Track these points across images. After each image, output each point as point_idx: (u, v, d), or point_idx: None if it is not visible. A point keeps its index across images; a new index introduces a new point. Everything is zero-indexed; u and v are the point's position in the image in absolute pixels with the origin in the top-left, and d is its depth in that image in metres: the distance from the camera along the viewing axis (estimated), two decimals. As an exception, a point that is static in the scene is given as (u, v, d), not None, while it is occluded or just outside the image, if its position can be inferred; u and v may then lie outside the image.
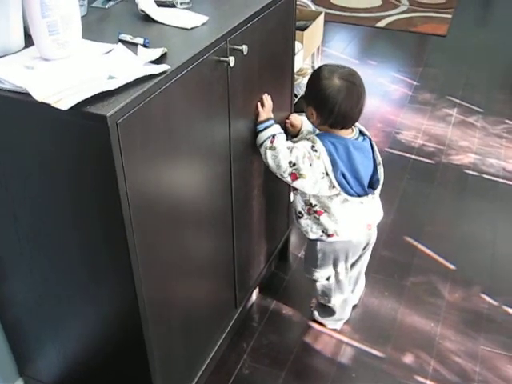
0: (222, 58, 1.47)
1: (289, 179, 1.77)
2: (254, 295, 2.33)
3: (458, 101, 3.84)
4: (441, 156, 3.27)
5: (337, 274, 2.06)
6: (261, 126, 1.80)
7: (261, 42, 1.69)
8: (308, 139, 1.79)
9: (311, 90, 1.80)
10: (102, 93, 1.17)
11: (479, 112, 3.71)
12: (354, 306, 2.30)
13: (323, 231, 1.92)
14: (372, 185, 1.88)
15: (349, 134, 1.83)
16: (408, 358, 2.12)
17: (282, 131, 1.83)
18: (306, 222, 1.93)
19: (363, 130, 1.89)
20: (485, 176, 3.10)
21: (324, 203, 1.85)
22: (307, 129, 2.00)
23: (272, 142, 1.76)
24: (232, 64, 1.49)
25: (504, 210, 2.88)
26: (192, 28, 1.49)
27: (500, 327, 2.25)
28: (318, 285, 2.10)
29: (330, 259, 2.01)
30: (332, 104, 1.73)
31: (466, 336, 2.21)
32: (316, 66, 3.17)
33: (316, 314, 2.23)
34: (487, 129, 3.52)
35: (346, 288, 2.13)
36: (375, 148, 1.89)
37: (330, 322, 2.22)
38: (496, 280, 2.46)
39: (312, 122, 1.86)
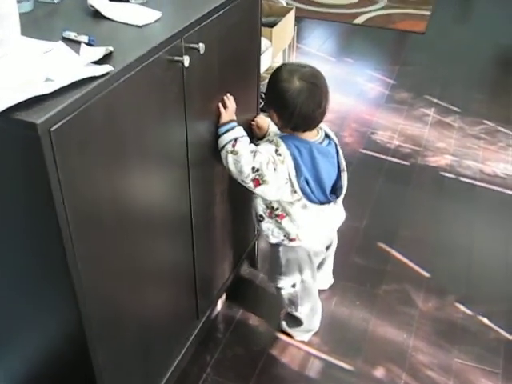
0: (176, 58, 1.36)
1: (251, 185, 1.67)
2: (220, 304, 2.22)
3: (435, 100, 3.75)
4: (417, 157, 3.19)
5: (303, 281, 1.96)
6: (222, 129, 1.69)
7: (220, 40, 1.57)
8: (271, 142, 1.69)
9: (271, 92, 1.70)
10: (37, 97, 1.06)
11: (456, 112, 3.63)
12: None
13: (285, 235, 1.83)
14: (335, 191, 1.79)
15: (313, 137, 1.73)
16: (379, 372, 2.03)
17: (245, 134, 1.72)
18: (267, 225, 1.84)
19: (329, 132, 1.79)
20: (461, 179, 3.02)
21: (285, 208, 1.75)
22: (274, 130, 1.90)
23: (234, 146, 1.65)
24: (187, 64, 1.38)
25: (481, 213, 2.80)
26: (144, 25, 1.37)
27: (475, 338, 2.17)
28: (284, 293, 2.01)
29: (295, 265, 1.91)
30: (292, 107, 1.64)
31: (439, 348, 2.13)
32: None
33: (284, 324, 2.13)
34: (465, 129, 3.45)
35: (313, 295, 2.03)
36: (340, 153, 1.80)
37: (297, 333, 2.12)
38: (472, 288, 2.38)
39: (275, 124, 1.76)
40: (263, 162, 1.63)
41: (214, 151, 1.71)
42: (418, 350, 2.12)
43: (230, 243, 2.08)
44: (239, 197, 2.02)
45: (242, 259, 2.26)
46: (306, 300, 2.02)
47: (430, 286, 2.39)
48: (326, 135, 1.77)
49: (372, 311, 2.26)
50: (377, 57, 4.44)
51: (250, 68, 1.89)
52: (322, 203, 1.73)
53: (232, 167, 1.66)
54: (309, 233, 1.83)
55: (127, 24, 1.38)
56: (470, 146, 3.29)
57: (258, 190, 1.68)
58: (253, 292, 2.34)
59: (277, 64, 2.93)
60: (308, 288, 1.99)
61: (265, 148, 1.67)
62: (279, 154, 1.65)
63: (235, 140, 1.67)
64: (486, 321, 2.24)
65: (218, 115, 1.68)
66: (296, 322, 2.09)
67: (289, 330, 2.13)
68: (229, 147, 1.66)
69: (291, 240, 1.83)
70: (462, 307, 2.29)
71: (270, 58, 2.43)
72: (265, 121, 1.92)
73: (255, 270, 2.43)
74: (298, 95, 1.62)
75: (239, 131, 1.70)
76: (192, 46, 1.42)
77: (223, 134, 1.68)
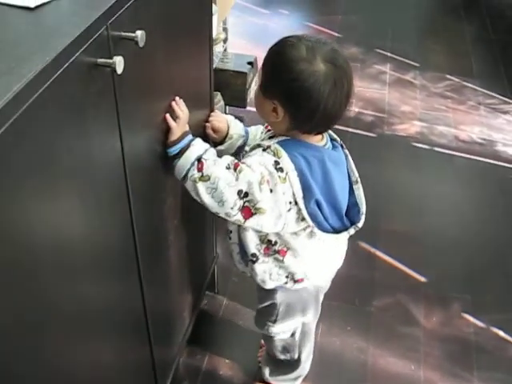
0: (101, 61, 0.80)
1: (239, 217, 1.14)
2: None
3: (388, 54, 3.30)
4: (382, 126, 2.74)
5: (304, 324, 1.49)
6: (174, 149, 1.15)
7: (165, 20, 1.01)
8: (266, 150, 1.16)
9: (278, 78, 1.14)
10: None
11: (415, 67, 3.19)
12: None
13: (288, 276, 1.31)
14: (348, 213, 1.28)
15: (320, 141, 1.21)
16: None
17: (208, 146, 1.19)
18: (263, 266, 1.30)
19: (331, 132, 1.28)
20: (437, 149, 2.60)
21: (287, 241, 1.24)
22: (237, 132, 1.37)
23: (201, 169, 1.13)
24: (120, 70, 0.82)
25: (469, 192, 2.40)
26: (38, 6, 0.80)
27: (493, 358, 1.79)
28: (277, 340, 1.52)
29: (297, 310, 1.43)
30: (316, 101, 1.11)
31: (456, 378, 1.73)
32: (226, 27, 2.48)
33: (266, 372, 1.65)
34: (428, 87, 3.02)
35: (312, 336, 1.57)
36: (350, 159, 1.29)
37: (284, 383, 1.65)
38: (476, 290, 1.99)
39: (272, 124, 1.22)
40: (253, 182, 1.10)
41: (164, 177, 1.18)
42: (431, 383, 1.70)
43: (188, 276, 1.57)
44: (195, 217, 1.50)
45: (203, 293, 1.75)
46: (305, 345, 1.55)
47: (429, 293, 1.97)
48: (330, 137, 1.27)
49: (368, 338, 1.82)
50: (314, 6, 3.91)
51: (201, 47, 1.34)
52: (337, 231, 1.23)
53: (207, 199, 1.14)
54: (320, 268, 1.34)
55: (8, 5, 0.80)
56: (438, 108, 2.87)
57: (251, 223, 1.16)
58: (218, 328, 1.84)
59: (222, 35, 2.37)
60: (309, 330, 1.52)
61: (256, 160, 1.14)
62: (280, 169, 1.12)
63: (199, 161, 1.14)
64: (501, 333, 1.86)
65: (167, 129, 1.13)
66: (283, 368, 1.62)
67: (272, 380, 1.65)
68: (194, 173, 1.13)
69: (297, 281, 1.32)
70: (471, 318, 1.90)
71: (215, 26, 1.88)
72: (223, 120, 1.39)
73: (216, 295, 1.92)
74: (325, 83, 1.10)
75: (199, 145, 1.17)
76: (125, 35, 0.86)
77: (178, 156, 1.15)
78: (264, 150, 1.16)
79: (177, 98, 1.15)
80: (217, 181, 1.11)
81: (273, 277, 1.31)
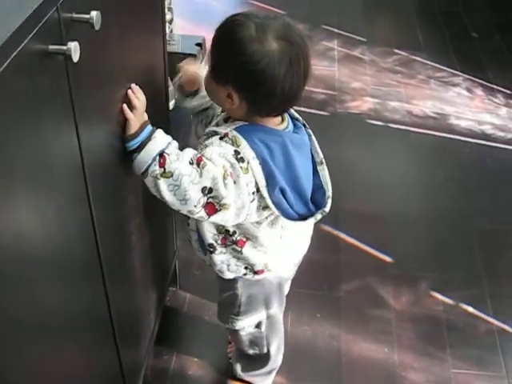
0: (54, 48, 0.69)
1: (202, 214, 1.06)
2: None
3: (335, 30, 3.23)
4: (334, 104, 2.68)
5: (269, 316, 1.41)
6: (134, 143, 1.05)
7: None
8: (223, 138, 1.07)
9: (229, 62, 1.05)
10: None
11: (362, 42, 3.14)
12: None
13: (247, 267, 1.24)
14: (312, 197, 1.20)
15: (280, 124, 1.14)
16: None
17: (171, 138, 1.09)
18: (220, 257, 1.23)
19: (292, 111, 1.20)
20: (391, 125, 2.56)
21: (248, 230, 1.17)
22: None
23: (163, 165, 1.03)
24: (76, 58, 0.71)
25: (426, 167, 2.37)
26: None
27: (465, 336, 1.77)
28: (244, 335, 1.44)
29: (260, 301, 1.35)
30: (273, 83, 1.03)
31: (430, 358, 1.70)
32: (171, 6, 2.35)
33: (238, 368, 1.58)
34: (377, 62, 2.98)
35: (280, 329, 1.50)
36: (313, 139, 1.21)
37: (259, 378, 1.58)
38: (442, 267, 1.97)
39: (229, 110, 1.13)
40: (218, 177, 1.01)
41: (122, 169, 1.07)
42: (406, 366, 1.67)
43: (152, 274, 1.47)
44: (156, 212, 1.40)
45: (167, 289, 1.66)
46: (273, 337, 1.47)
47: (396, 273, 1.94)
48: (290, 117, 1.18)
49: (339, 323, 1.77)
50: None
51: (152, 25, 1.24)
52: (303, 218, 1.15)
53: (169, 196, 1.04)
54: (282, 258, 1.27)
55: None
56: (388, 83, 2.83)
57: (215, 219, 1.08)
58: (183, 325, 1.75)
59: (168, 15, 2.24)
60: (276, 322, 1.45)
61: (216, 152, 1.05)
62: (241, 159, 1.04)
63: (160, 155, 1.04)
64: (470, 309, 1.85)
65: (123, 121, 1.03)
66: (257, 362, 1.54)
67: (246, 377, 1.58)
68: (155, 169, 1.03)
69: (257, 273, 1.25)
70: (439, 296, 1.88)
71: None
72: (195, 70, 1.27)
73: (179, 291, 1.83)
74: (280, 64, 1.01)
75: (161, 138, 1.06)
76: (78, 17, 0.75)
77: (137, 150, 1.04)
78: (221, 138, 1.08)
79: (133, 86, 1.04)
80: (180, 178, 1.02)
81: (231, 268, 1.24)
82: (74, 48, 0.70)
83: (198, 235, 1.23)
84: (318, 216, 1.14)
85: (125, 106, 1.02)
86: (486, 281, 1.93)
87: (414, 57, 3.03)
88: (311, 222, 1.15)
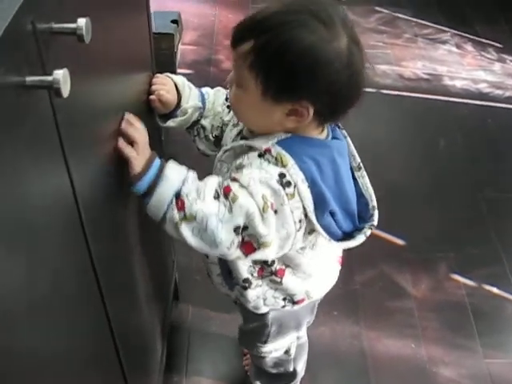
0: (32, 80, 0.50)
1: (239, 254, 0.87)
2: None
3: (310, -10, 3.00)
4: (321, 73, 2.48)
5: (299, 337, 1.27)
6: (141, 186, 0.84)
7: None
8: (263, 154, 0.87)
9: (307, 76, 0.83)
10: None
11: (341, 2, 2.92)
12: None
13: (286, 298, 1.06)
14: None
15: (322, 131, 0.94)
16: (404, 415, 1.44)
17: (185, 171, 0.88)
18: (256, 291, 1.04)
19: None
20: (384, 91, 2.39)
21: (290, 257, 0.99)
22: (192, 104, 1.04)
23: (182, 208, 0.84)
24: (66, 91, 0.52)
25: (426, 134, 2.22)
26: None
27: (492, 320, 1.66)
28: (269, 359, 1.28)
29: (291, 327, 1.19)
30: (342, 82, 0.84)
31: (461, 350, 1.58)
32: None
33: None
34: (360, 23, 2.78)
35: (307, 343, 1.35)
36: (349, 141, 1.02)
37: None
38: (456, 244, 1.84)
39: (275, 128, 0.90)
40: (254, 212, 0.82)
41: (121, 209, 0.89)
42: (437, 361, 1.55)
43: (154, 294, 1.29)
44: (154, 232, 1.22)
45: (170, 308, 1.48)
46: (301, 356, 1.33)
47: (411, 258, 1.80)
48: None
49: (358, 320, 1.63)
50: None
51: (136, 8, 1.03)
52: (350, 236, 0.98)
53: (195, 242, 0.85)
54: (324, 282, 1.10)
55: None
56: (374, 45, 2.65)
57: (255, 257, 0.89)
58: (190, 341, 1.58)
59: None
60: (304, 341, 1.30)
61: (256, 177, 0.84)
62: (287, 183, 0.84)
63: (177, 197, 0.84)
64: (495, 290, 1.72)
65: (125, 159, 0.83)
66: (279, 380, 1.39)
67: None
68: (173, 215, 0.84)
69: (297, 303, 1.08)
70: (460, 278, 1.75)
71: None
72: (171, 88, 1.04)
73: (179, 304, 1.65)
74: (352, 55, 0.83)
75: (174, 175, 0.85)
76: (60, 28, 0.55)
77: (148, 194, 0.84)
78: (261, 155, 0.87)
79: (127, 115, 0.84)
80: (205, 220, 0.83)
81: (268, 302, 1.06)
82: (62, 78, 0.50)
83: (220, 269, 1.04)
84: (368, 232, 0.97)
85: (121, 141, 0.81)
86: (504, 256, 1.81)
87: (397, 14, 2.85)
88: (361, 239, 0.96)
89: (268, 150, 0.86)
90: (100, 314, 0.85)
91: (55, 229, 0.63)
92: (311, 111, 0.85)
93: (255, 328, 1.17)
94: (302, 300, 1.07)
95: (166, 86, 1.03)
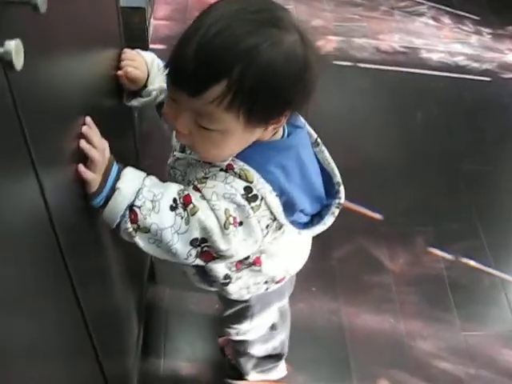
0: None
1: (199, 262, 0.84)
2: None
3: (285, -37, 2.95)
4: (296, 47, 2.44)
5: (282, 309, 1.25)
6: (98, 201, 0.79)
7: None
8: (227, 171, 0.82)
9: (290, 91, 0.78)
10: None
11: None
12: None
13: (267, 281, 1.04)
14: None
15: (277, 133, 0.89)
16: (383, 389, 1.45)
17: (141, 179, 0.82)
18: (238, 284, 1.01)
19: None
20: (361, 65, 2.37)
21: (263, 249, 0.96)
22: (158, 86, 0.99)
23: (135, 221, 0.79)
24: (20, 62, 0.48)
25: (404, 108, 2.21)
26: None
27: (470, 293, 1.67)
28: (256, 340, 1.27)
29: (274, 300, 1.17)
30: (298, 79, 0.78)
31: (438, 323, 1.58)
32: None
33: (252, 374, 1.39)
34: (336, -4, 2.74)
35: (289, 315, 1.34)
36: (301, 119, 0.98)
37: (274, 373, 1.42)
38: (434, 218, 1.84)
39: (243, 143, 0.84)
40: (213, 228, 0.79)
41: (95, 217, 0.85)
42: (415, 335, 1.55)
43: (128, 281, 1.27)
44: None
45: (146, 287, 1.46)
46: (284, 327, 1.31)
47: (389, 232, 1.79)
48: None
49: (337, 296, 1.62)
50: None
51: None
52: (319, 216, 0.95)
53: (153, 250, 0.82)
54: (301, 255, 1.08)
55: None
56: (350, 18, 2.62)
57: (216, 263, 0.88)
58: (167, 321, 1.56)
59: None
60: (286, 310, 1.29)
61: (219, 192, 0.80)
62: (252, 197, 0.81)
63: (130, 209, 0.79)
64: (472, 263, 1.72)
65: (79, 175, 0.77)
66: (272, 358, 1.37)
67: (262, 376, 1.41)
68: (127, 227, 0.80)
69: (279, 282, 1.06)
70: (437, 252, 1.75)
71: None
72: (141, 64, 0.98)
73: (157, 286, 1.62)
74: (307, 55, 0.78)
75: (127, 188, 0.79)
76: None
77: (103, 206, 0.80)
78: (224, 171, 0.82)
79: (85, 128, 0.76)
80: (159, 233, 0.79)
81: (251, 289, 1.04)
82: (14, 49, 0.47)
83: (195, 269, 1.01)
84: (336, 211, 0.94)
85: (81, 167, 0.75)
86: (481, 229, 1.81)
87: (373, -14, 2.81)
88: (330, 221, 0.94)
89: (230, 167, 0.82)
90: (70, 300, 0.83)
91: (22, 215, 0.60)
92: (288, 114, 0.82)
93: (238, 311, 1.15)
94: (283, 278, 1.05)
95: (134, 61, 0.98)
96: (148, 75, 0.98)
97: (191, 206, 0.79)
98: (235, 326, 1.20)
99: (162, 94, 0.99)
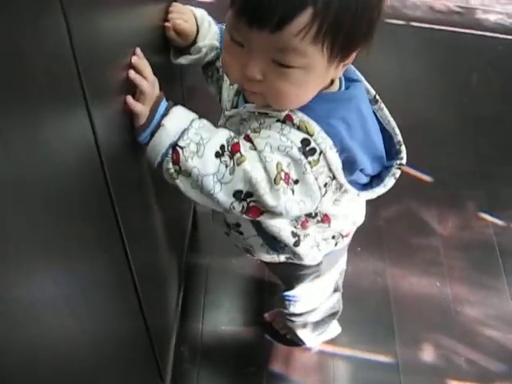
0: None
1: (245, 216, 0.79)
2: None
3: None
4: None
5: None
6: (144, 136, 0.76)
7: None
8: (284, 122, 0.77)
9: (369, 10, 0.72)
10: None
11: None
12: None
13: (334, 236, 0.99)
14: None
15: (334, 84, 0.84)
16: (426, 354, 1.41)
17: (190, 119, 0.78)
18: (308, 243, 0.96)
19: None
20: (414, 24, 2.28)
21: (327, 210, 0.92)
22: (209, 43, 0.94)
23: (177, 162, 0.75)
24: None
25: (458, 70, 2.12)
26: None
27: (522, 261, 1.60)
28: (320, 310, 1.24)
29: (338, 256, 1.12)
30: (379, 8, 0.74)
31: (486, 290, 1.53)
32: None
33: (310, 340, 1.37)
34: (389, -48, 2.62)
35: None
36: (359, 75, 0.91)
37: (330, 332, 1.40)
38: (486, 183, 1.77)
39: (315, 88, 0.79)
40: (260, 181, 0.74)
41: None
42: (462, 301, 1.51)
43: (170, 235, 1.24)
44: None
45: (185, 254, 1.43)
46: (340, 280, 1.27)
47: (439, 195, 1.74)
48: None
49: (383, 257, 1.58)
50: None
51: None
52: (378, 177, 0.91)
53: (195, 196, 0.77)
54: (364, 206, 1.04)
55: None
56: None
57: (266, 217, 0.81)
58: (211, 290, 1.55)
59: None
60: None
61: (274, 143, 0.75)
62: (310, 151, 0.75)
63: (173, 148, 0.75)
64: (524, 229, 1.66)
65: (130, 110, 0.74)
66: (330, 318, 1.33)
67: (320, 339, 1.39)
68: (168, 167, 0.76)
69: (346, 236, 1.02)
70: (488, 217, 1.69)
71: None
72: (190, 18, 0.93)
73: (197, 250, 1.59)
74: None
75: (173, 125, 0.76)
76: None
77: (149, 142, 0.77)
78: (281, 121, 0.77)
79: (135, 58, 0.73)
80: (200, 179, 0.75)
81: (321, 247, 0.99)
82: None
83: (262, 238, 0.95)
84: (397, 173, 0.89)
85: (129, 98, 0.72)
86: (535, 196, 1.74)
87: None
88: (391, 182, 0.88)
89: (289, 118, 0.76)
90: (119, 252, 0.80)
91: (77, 178, 0.57)
92: (359, 50, 0.76)
93: (304, 276, 1.10)
94: (350, 232, 1.02)
95: (183, 14, 0.93)
96: (198, 31, 0.93)
97: (238, 155, 0.74)
98: (300, 298, 1.16)
99: (212, 51, 0.95)
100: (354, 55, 0.77)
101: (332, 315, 1.31)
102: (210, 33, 0.94)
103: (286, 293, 1.19)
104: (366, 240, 1.60)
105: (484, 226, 1.66)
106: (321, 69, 0.74)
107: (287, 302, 1.21)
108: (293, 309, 1.21)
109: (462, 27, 2.26)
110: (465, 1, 2.39)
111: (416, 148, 1.76)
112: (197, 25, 0.93)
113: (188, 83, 1.77)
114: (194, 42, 0.93)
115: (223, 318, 1.46)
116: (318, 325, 1.31)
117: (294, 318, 1.27)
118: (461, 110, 1.98)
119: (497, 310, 1.49)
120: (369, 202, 1.29)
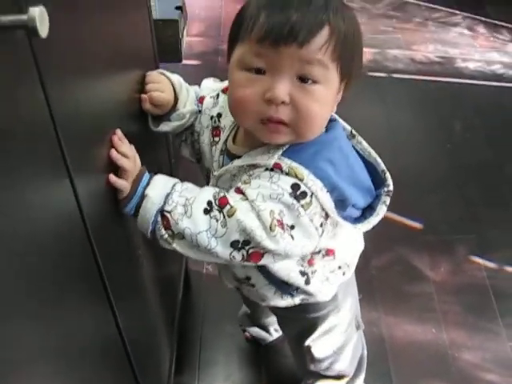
0: (10, 19, 0.46)
1: (248, 264, 0.81)
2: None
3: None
4: (330, 60, 2.44)
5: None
6: (130, 208, 0.80)
7: None
8: (273, 171, 0.80)
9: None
10: None
11: (348, -11, 2.88)
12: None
13: (341, 266, 0.99)
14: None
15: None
16: (426, 401, 1.39)
17: (171, 184, 0.81)
18: (318, 278, 0.96)
19: None
20: (395, 75, 2.34)
21: (327, 243, 0.92)
22: (189, 109, 0.96)
23: (168, 227, 0.78)
24: (45, 30, 0.48)
25: (442, 118, 2.17)
26: None
27: (515, 301, 1.59)
28: (347, 351, 1.21)
29: (350, 286, 1.12)
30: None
31: (483, 334, 1.52)
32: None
33: None
34: (369, 9, 2.74)
35: None
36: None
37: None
38: (475, 227, 1.78)
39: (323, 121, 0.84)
40: (255, 228, 0.76)
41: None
42: (458, 346, 1.50)
43: (161, 291, 1.25)
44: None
45: (178, 310, 1.44)
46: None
47: (429, 240, 1.75)
48: None
49: (376, 306, 1.58)
50: None
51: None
52: (372, 208, 0.91)
53: (194, 255, 0.80)
54: (361, 235, 1.05)
55: None
56: (384, 30, 2.60)
57: (266, 261, 0.82)
58: (202, 338, 1.54)
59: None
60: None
61: (265, 192, 0.77)
62: (302, 194, 0.78)
63: (161, 214, 0.78)
64: (517, 271, 1.66)
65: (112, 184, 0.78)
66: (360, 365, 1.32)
67: None
68: (162, 233, 0.79)
69: (351, 264, 1.03)
70: (480, 260, 1.69)
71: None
72: (167, 88, 0.94)
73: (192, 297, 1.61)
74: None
75: (155, 194, 0.79)
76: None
77: (135, 214, 0.80)
78: (269, 170, 0.79)
79: (115, 137, 0.77)
80: (194, 238, 0.77)
81: (331, 280, 0.98)
82: (38, 16, 0.46)
83: (275, 286, 0.96)
84: (387, 200, 0.91)
85: (112, 176, 0.76)
86: (525, 237, 1.75)
87: (406, -1, 2.80)
88: (383, 210, 0.90)
89: (277, 165, 0.79)
90: (106, 312, 0.81)
91: (57, 220, 0.60)
92: (347, 86, 0.83)
93: (320, 316, 1.08)
94: (354, 258, 1.03)
95: (159, 84, 0.94)
96: (177, 98, 0.95)
97: (228, 207, 0.76)
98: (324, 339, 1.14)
99: (192, 116, 0.97)
100: (341, 92, 0.83)
101: (359, 365, 1.28)
102: (189, 99, 0.97)
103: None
104: (359, 290, 1.60)
105: (476, 269, 1.67)
106: (335, 87, 0.79)
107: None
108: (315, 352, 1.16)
109: (443, 76, 2.33)
110: (444, 51, 2.46)
111: (404, 196, 1.81)
112: (175, 92, 0.95)
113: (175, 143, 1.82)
114: (172, 109, 0.95)
115: (219, 376, 1.44)
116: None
117: (316, 364, 1.21)
118: (447, 157, 2.01)
119: (494, 354, 1.48)
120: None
